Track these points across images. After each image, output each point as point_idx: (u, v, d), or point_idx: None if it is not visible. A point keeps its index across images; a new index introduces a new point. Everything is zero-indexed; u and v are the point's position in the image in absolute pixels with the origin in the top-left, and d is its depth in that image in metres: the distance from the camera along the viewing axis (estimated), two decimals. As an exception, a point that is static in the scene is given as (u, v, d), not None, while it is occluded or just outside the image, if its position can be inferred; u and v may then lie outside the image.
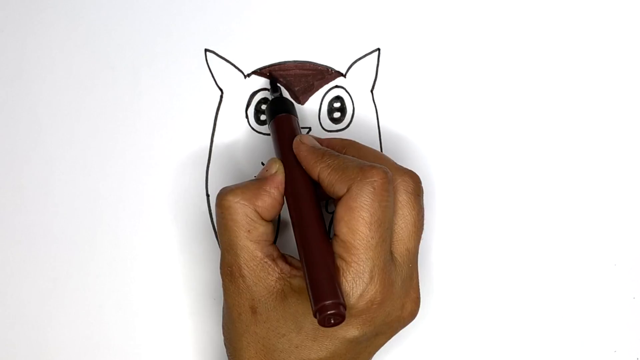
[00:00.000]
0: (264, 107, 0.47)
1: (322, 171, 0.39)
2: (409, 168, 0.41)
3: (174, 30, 0.47)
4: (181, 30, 0.47)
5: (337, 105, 0.47)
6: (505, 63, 0.47)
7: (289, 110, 0.43)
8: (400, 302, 0.39)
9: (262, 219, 0.39)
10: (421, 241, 0.40)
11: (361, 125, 0.47)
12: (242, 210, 0.39)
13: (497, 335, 0.46)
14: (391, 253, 0.39)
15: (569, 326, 0.46)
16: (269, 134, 0.47)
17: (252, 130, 0.47)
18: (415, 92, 0.47)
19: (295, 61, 0.47)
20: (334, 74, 0.47)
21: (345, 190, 0.38)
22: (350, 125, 0.47)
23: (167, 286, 0.47)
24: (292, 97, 0.47)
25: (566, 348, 0.46)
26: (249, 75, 0.47)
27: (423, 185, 0.41)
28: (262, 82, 0.47)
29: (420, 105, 0.47)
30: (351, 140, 0.43)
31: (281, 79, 0.47)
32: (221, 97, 0.47)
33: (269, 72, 0.46)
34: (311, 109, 0.47)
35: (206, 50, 0.47)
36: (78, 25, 0.47)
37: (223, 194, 0.39)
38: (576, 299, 0.46)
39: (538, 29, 0.47)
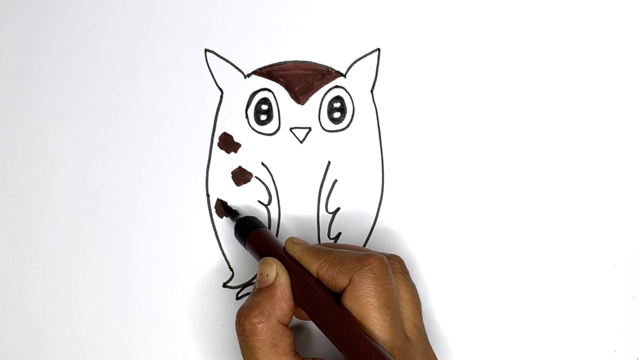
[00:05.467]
0: (264, 107, 0.47)
1: (321, 268, 0.40)
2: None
3: (174, 30, 0.47)
4: (181, 30, 0.47)
5: (337, 105, 0.47)
6: (505, 63, 0.47)
7: (258, 225, 0.44)
8: None
9: (285, 327, 0.39)
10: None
11: (361, 125, 0.47)
12: (267, 329, 0.38)
13: (498, 335, 0.46)
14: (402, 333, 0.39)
15: (569, 326, 0.46)
16: (268, 134, 0.47)
17: (252, 130, 0.47)
18: (415, 92, 0.47)
19: (295, 61, 0.47)
20: (334, 74, 0.47)
21: (348, 281, 0.38)
22: (350, 125, 0.47)
23: (167, 286, 0.47)
24: (292, 97, 0.47)
25: (566, 348, 0.46)
26: (249, 75, 0.47)
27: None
28: (262, 82, 0.47)
29: (420, 105, 0.47)
30: (330, 243, 0.44)
31: (281, 79, 0.47)
32: (221, 97, 0.47)
33: (220, 201, 0.46)
34: (311, 109, 0.47)
35: (206, 50, 0.47)
36: (78, 25, 0.47)
37: (244, 318, 0.38)
38: (576, 299, 0.46)
39: (538, 29, 0.47)
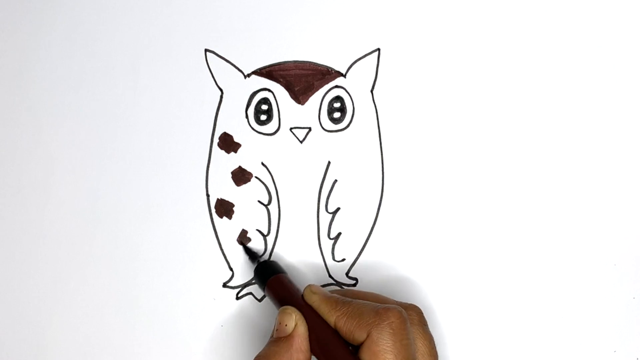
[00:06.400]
0: (264, 107, 0.47)
1: (339, 320, 0.39)
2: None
3: (174, 30, 0.47)
4: (181, 30, 0.47)
5: (337, 105, 0.47)
6: (504, 63, 0.47)
7: (278, 270, 0.44)
8: None
9: None
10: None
11: (361, 125, 0.47)
12: None
13: (497, 334, 0.46)
14: None
15: (569, 326, 0.46)
16: (268, 134, 0.47)
17: (252, 130, 0.47)
18: (415, 92, 0.47)
19: (295, 61, 0.47)
20: (334, 74, 0.47)
21: (365, 336, 0.38)
22: (350, 125, 0.47)
23: (167, 286, 0.47)
24: (292, 97, 0.47)
25: (566, 348, 0.46)
26: (249, 75, 0.47)
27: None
28: (262, 82, 0.47)
29: (420, 105, 0.47)
30: (351, 289, 0.44)
31: (281, 79, 0.47)
32: (221, 97, 0.47)
33: (240, 240, 0.46)
34: (311, 109, 0.47)
35: (206, 50, 0.47)
36: (78, 25, 0.47)
37: None
38: (576, 299, 0.46)
39: (538, 29, 0.47)
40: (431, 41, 0.47)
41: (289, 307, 0.40)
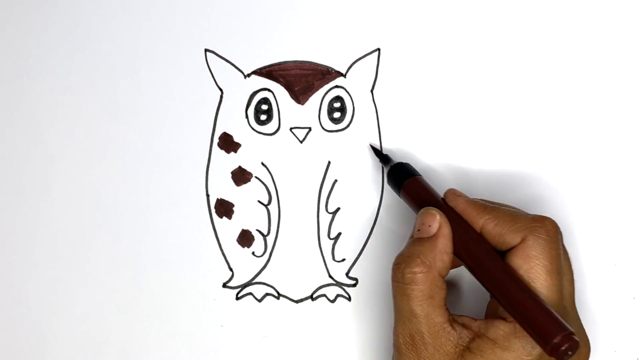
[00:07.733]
0: (264, 107, 0.47)
1: (488, 222, 0.39)
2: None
3: (174, 30, 0.47)
4: (181, 30, 0.47)
5: (337, 105, 0.47)
6: (505, 62, 0.47)
7: (414, 173, 0.43)
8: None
9: (443, 279, 0.39)
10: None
11: (361, 125, 0.47)
12: (427, 279, 0.38)
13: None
14: None
15: (569, 326, 0.46)
16: (268, 134, 0.47)
17: (252, 130, 0.47)
18: (415, 92, 0.47)
19: (295, 61, 0.47)
20: (334, 74, 0.47)
21: (519, 240, 0.38)
22: (350, 125, 0.47)
23: (167, 286, 0.47)
24: (292, 97, 0.47)
25: (566, 348, 0.46)
26: (249, 75, 0.47)
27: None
28: (262, 82, 0.47)
29: (420, 105, 0.47)
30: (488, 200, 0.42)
31: (281, 79, 0.47)
32: (221, 97, 0.47)
33: (371, 146, 0.46)
34: (311, 109, 0.47)
35: (206, 50, 0.47)
36: (78, 25, 0.47)
37: (405, 266, 0.38)
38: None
39: (538, 29, 0.47)
40: (431, 41, 0.47)
41: (432, 207, 0.40)
